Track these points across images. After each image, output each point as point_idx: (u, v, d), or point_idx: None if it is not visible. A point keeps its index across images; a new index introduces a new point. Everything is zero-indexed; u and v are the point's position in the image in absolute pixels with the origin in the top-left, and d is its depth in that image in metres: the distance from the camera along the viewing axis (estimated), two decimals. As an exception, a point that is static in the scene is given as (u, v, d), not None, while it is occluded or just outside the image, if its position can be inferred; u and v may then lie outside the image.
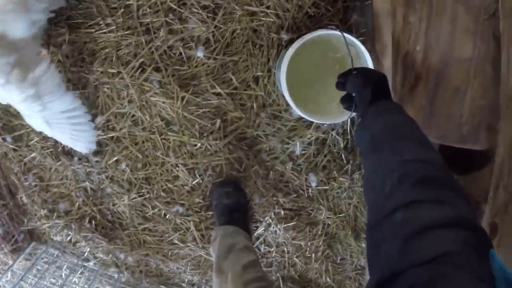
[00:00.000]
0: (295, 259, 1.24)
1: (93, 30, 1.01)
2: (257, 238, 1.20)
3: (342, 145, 1.08)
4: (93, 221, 1.19)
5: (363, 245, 1.18)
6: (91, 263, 1.25)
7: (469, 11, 0.71)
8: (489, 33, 0.69)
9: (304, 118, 1.03)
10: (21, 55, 0.84)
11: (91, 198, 1.17)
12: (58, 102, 0.93)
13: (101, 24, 1.00)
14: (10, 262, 1.25)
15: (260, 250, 1.21)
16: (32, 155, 1.13)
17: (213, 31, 1.00)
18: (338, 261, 1.25)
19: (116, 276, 1.25)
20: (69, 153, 1.12)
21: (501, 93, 0.66)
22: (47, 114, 0.92)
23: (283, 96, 1.02)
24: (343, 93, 0.71)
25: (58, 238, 1.24)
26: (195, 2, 0.98)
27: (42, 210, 1.19)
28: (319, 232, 1.18)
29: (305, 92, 0.93)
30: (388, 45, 0.84)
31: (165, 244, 1.19)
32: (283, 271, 1.26)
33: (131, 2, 0.99)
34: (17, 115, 1.10)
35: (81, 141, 1.03)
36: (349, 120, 1.04)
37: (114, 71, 1.02)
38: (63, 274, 1.25)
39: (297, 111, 0.89)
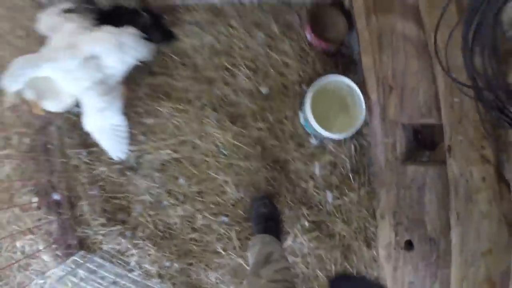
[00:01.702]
0: (318, 272, 1.44)
1: (168, 78, 1.42)
2: (285, 250, 1.42)
3: (349, 167, 1.42)
4: (146, 231, 1.40)
5: (374, 252, 1.41)
6: (135, 273, 1.39)
7: (414, 45, 1.13)
8: (428, 53, 1.10)
9: (320, 145, 1.40)
10: (106, 81, 1.19)
11: (147, 210, 1.40)
12: (113, 118, 1.25)
13: (174, 75, 1.42)
14: (54, 266, 1.36)
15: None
16: (101, 169, 1.40)
17: (255, 84, 1.43)
18: (355, 274, 1.45)
19: (158, 286, 1.39)
20: (132, 169, 1.40)
21: (438, 86, 1.04)
22: (102, 124, 1.23)
23: (304, 129, 1.40)
24: (351, 117, 1.09)
25: (109, 246, 1.40)
26: (243, 64, 1.43)
27: (100, 218, 1.39)
28: (336, 243, 1.42)
29: (323, 119, 1.29)
30: (373, 86, 1.25)
31: (208, 254, 1.39)
32: (307, 283, 1.44)
33: (198, 61, 1.42)
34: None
35: (115, 148, 1.31)
36: (353, 147, 1.41)
37: (182, 108, 1.40)
38: (105, 283, 1.36)
39: (322, 132, 1.25)
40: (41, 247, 1.41)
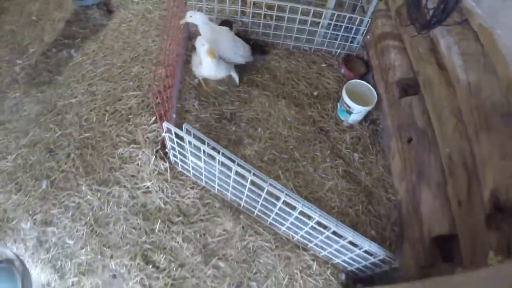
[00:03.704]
0: (349, 209, 1.92)
1: (259, 78, 2.33)
2: (330, 189, 1.96)
3: (368, 141, 2.13)
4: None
5: (392, 197, 1.94)
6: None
7: (398, 49, 2.06)
8: (405, 50, 2.01)
9: (348, 124, 2.17)
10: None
11: (231, 144, 2.04)
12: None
13: (262, 77, 2.34)
14: (150, 168, 1.87)
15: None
16: (205, 115, 2.11)
17: (310, 90, 2.33)
18: (377, 217, 1.92)
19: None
20: (227, 118, 2.12)
21: (409, 54, 1.89)
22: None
23: (339, 116, 2.20)
24: (367, 98, 1.96)
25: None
26: (303, 80, 2.37)
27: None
28: (362, 189, 1.97)
29: (353, 100, 2.11)
30: (381, 84, 2.13)
31: (271, 179, 1.94)
32: (341, 217, 1.90)
33: (277, 74, 2.37)
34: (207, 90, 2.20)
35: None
36: (370, 129, 2.17)
37: (265, 93, 2.25)
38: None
39: (355, 106, 2.05)
40: (141, 155, 1.93)
